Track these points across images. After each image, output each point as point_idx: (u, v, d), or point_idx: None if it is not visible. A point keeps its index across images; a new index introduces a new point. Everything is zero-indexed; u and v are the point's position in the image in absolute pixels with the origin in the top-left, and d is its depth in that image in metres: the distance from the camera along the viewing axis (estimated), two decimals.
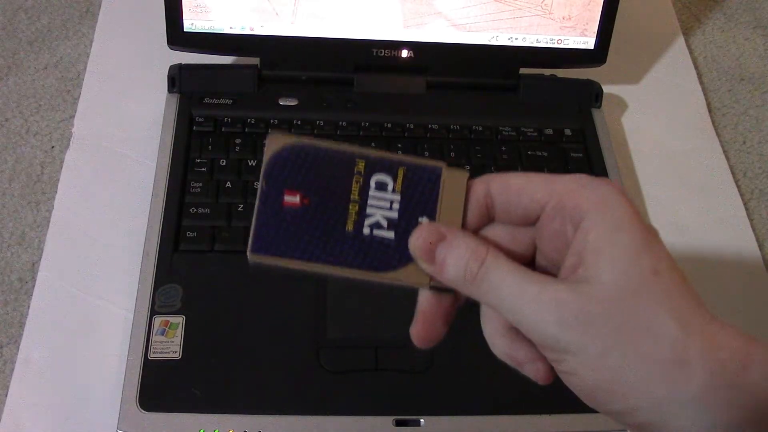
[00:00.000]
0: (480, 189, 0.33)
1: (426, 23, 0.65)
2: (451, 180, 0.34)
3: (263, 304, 0.54)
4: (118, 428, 0.48)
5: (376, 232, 0.33)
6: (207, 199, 0.59)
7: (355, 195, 0.33)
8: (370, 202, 0.33)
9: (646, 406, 0.29)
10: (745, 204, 0.68)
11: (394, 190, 0.33)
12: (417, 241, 0.33)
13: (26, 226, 0.62)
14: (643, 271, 0.30)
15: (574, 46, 0.67)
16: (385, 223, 0.33)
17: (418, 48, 0.66)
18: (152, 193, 0.60)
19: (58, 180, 0.64)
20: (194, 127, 0.64)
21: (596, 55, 0.67)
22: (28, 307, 0.57)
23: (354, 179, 0.33)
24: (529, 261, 0.34)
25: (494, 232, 0.34)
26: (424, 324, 0.34)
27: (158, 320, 0.53)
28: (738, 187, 0.69)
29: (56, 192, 0.63)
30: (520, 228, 0.34)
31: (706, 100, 0.76)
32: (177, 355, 0.51)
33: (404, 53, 0.66)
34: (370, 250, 0.33)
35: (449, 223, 0.33)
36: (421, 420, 0.50)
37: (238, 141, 0.63)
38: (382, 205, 0.33)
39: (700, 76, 0.78)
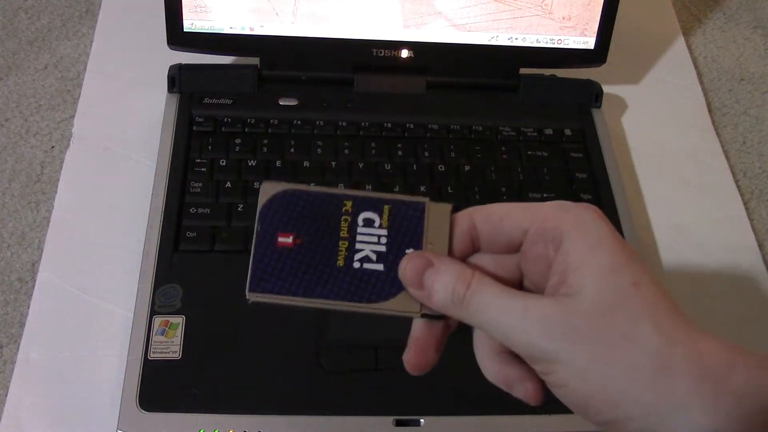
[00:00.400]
0: (464, 220, 0.35)
1: (426, 23, 0.65)
2: (435, 213, 0.35)
3: (263, 304, 0.54)
4: (118, 428, 0.48)
5: (366, 265, 0.34)
6: (207, 199, 0.59)
7: (344, 232, 0.35)
8: (358, 238, 0.35)
9: (635, 414, 0.30)
10: (745, 204, 0.68)
11: (381, 226, 0.35)
12: (406, 268, 0.34)
13: (26, 226, 0.62)
14: (623, 284, 0.31)
15: (574, 46, 0.67)
16: (374, 257, 0.34)
17: (418, 48, 0.66)
18: (152, 193, 0.60)
19: (58, 180, 0.64)
20: (194, 127, 0.64)
21: (596, 55, 0.67)
22: (28, 307, 0.57)
23: (342, 218, 0.35)
24: (516, 287, 0.35)
25: (481, 260, 0.35)
26: (417, 352, 0.35)
27: (158, 320, 0.53)
28: (738, 187, 0.69)
29: (56, 192, 0.63)
30: (506, 256, 0.35)
31: (706, 100, 0.75)
32: (177, 355, 0.51)
33: (404, 53, 0.66)
34: (361, 283, 0.34)
35: (435, 252, 0.35)
36: (421, 420, 0.50)
37: (238, 141, 0.63)
38: (370, 240, 0.35)
39: (700, 76, 0.78)
